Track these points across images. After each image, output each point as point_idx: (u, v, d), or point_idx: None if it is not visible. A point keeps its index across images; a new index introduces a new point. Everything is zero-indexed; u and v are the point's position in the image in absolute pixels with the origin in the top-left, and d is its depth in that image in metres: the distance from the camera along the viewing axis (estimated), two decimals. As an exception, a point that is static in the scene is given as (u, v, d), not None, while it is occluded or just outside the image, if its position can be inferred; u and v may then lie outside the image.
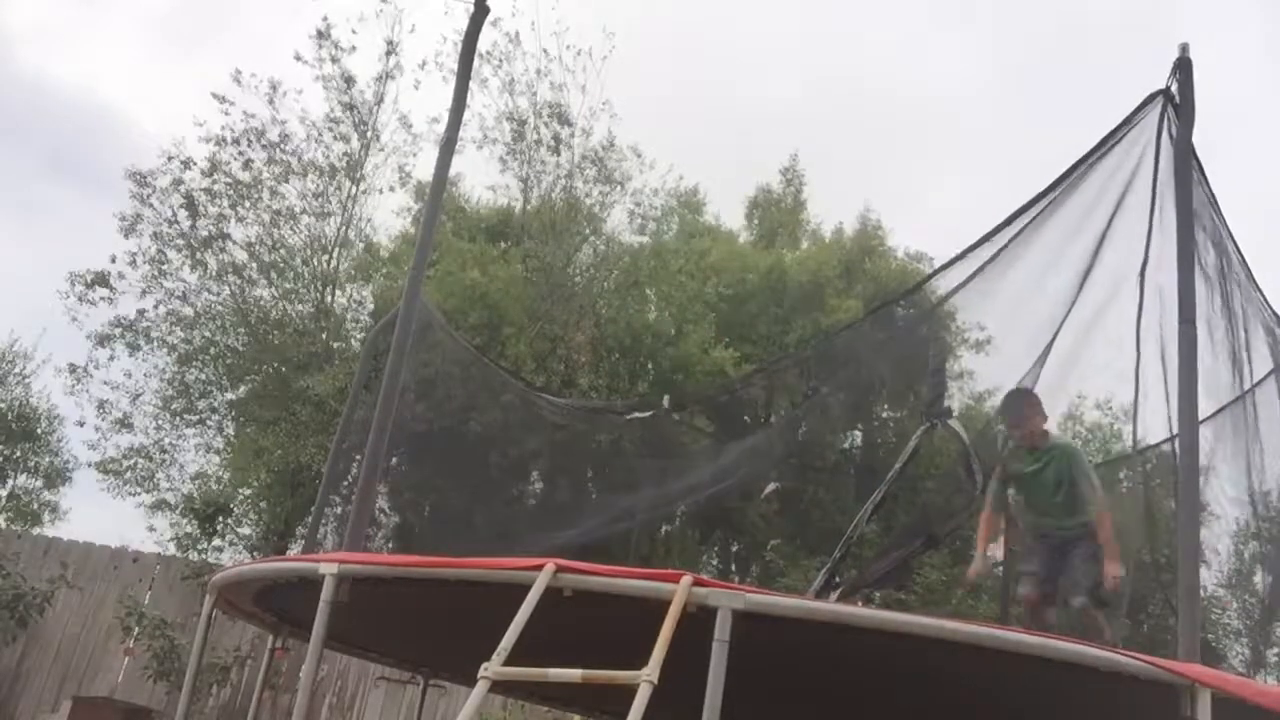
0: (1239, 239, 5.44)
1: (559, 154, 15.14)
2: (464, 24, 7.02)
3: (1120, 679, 3.21)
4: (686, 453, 9.66)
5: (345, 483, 9.20)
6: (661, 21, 22.89)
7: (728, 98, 25.31)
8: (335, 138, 14.51)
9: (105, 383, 13.89)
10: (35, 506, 16.69)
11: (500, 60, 14.84)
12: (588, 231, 15.47)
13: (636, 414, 9.04)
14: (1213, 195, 5.17)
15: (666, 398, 8.97)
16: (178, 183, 13.76)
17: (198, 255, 13.85)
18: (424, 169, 15.22)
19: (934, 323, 7.14)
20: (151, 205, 13.68)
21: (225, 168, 13.92)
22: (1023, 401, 5.59)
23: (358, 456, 7.58)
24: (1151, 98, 5.07)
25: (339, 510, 9.69)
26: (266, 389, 13.68)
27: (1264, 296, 5.80)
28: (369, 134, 14.77)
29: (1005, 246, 5.32)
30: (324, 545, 8.70)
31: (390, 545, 12.26)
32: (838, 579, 6.74)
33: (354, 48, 14.44)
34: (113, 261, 13.58)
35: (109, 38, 26.19)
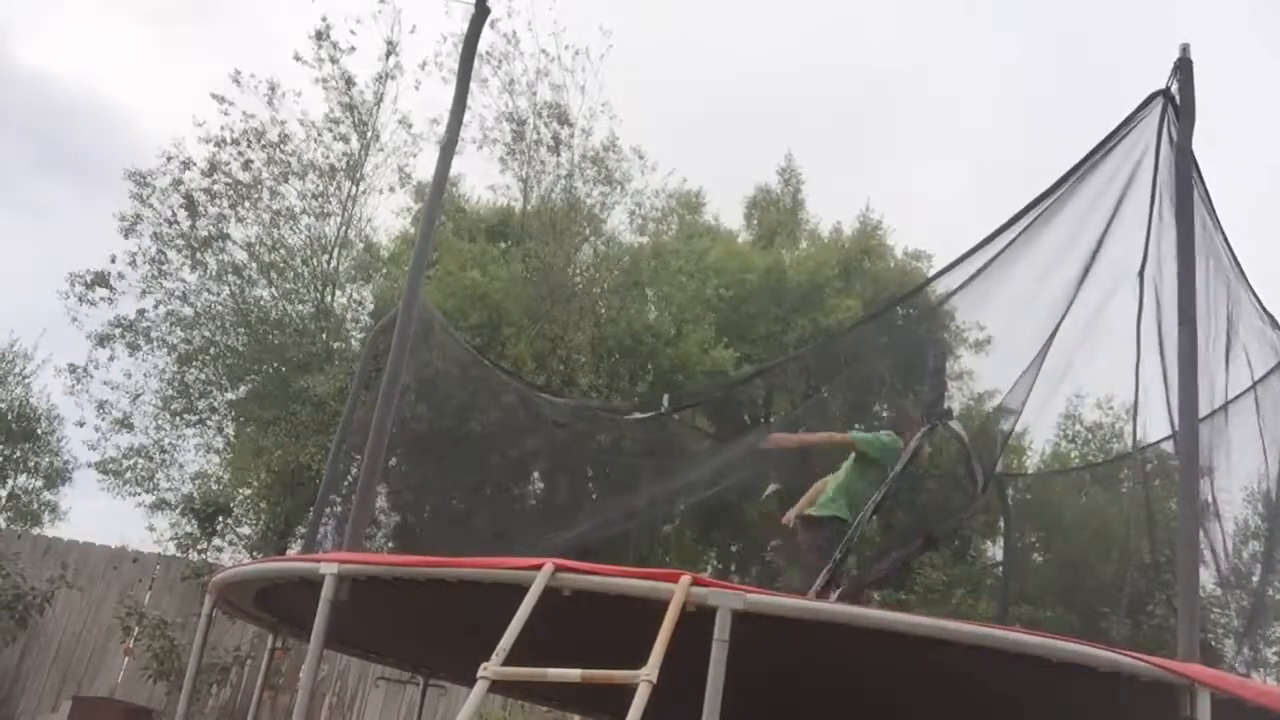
0: (1234, 238, 5.45)
1: (559, 154, 15.13)
2: (464, 25, 7.00)
3: (1120, 679, 3.21)
4: (687, 453, 9.66)
5: (345, 483, 9.18)
6: (660, 21, 22.89)
7: (726, 98, 25.31)
8: (335, 138, 14.50)
9: (105, 383, 13.86)
10: (35, 506, 16.65)
11: (500, 60, 14.85)
12: (588, 232, 15.45)
13: (637, 414, 9.04)
14: (1208, 196, 5.16)
15: (666, 396, 8.96)
16: (177, 183, 13.75)
17: (198, 255, 13.84)
18: (424, 169, 15.22)
19: (934, 323, 7.15)
20: (151, 205, 13.69)
21: (225, 168, 13.92)
22: None
23: (358, 456, 7.57)
24: (1152, 98, 5.07)
25: (339, 510, 9.66)
26: (266, 389, 13.65)
27: (1256, 297, 5.80)
28: (369, 134, 14.75)
29: (1006, 247, 5.33)
30: (324, 545, 8.68)
31: (390, 545, 12.24)
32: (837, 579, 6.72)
33: (353, 48, 14.44)
34: (113, 261, 13.58)
35: (109, 37, 26.19)
